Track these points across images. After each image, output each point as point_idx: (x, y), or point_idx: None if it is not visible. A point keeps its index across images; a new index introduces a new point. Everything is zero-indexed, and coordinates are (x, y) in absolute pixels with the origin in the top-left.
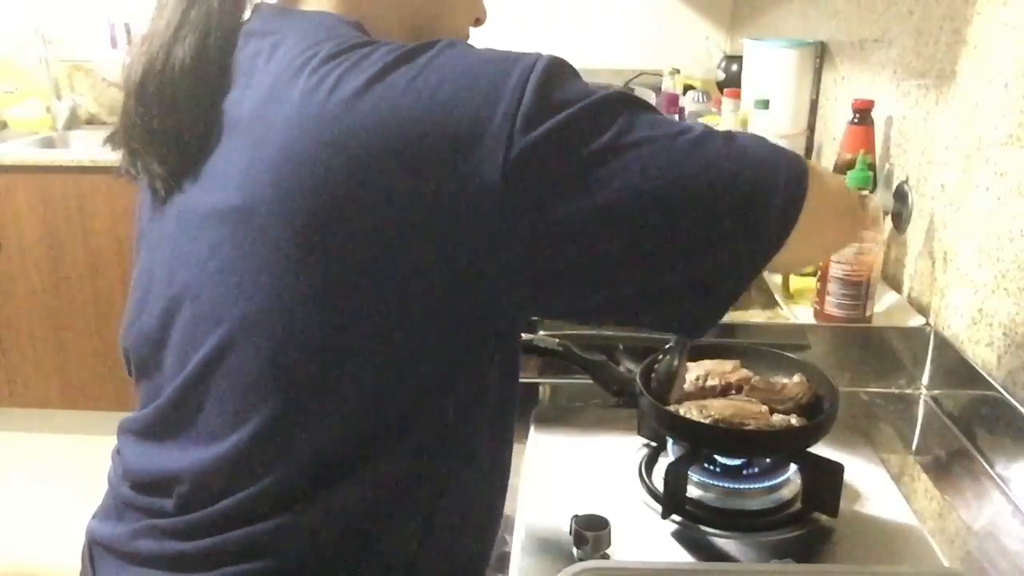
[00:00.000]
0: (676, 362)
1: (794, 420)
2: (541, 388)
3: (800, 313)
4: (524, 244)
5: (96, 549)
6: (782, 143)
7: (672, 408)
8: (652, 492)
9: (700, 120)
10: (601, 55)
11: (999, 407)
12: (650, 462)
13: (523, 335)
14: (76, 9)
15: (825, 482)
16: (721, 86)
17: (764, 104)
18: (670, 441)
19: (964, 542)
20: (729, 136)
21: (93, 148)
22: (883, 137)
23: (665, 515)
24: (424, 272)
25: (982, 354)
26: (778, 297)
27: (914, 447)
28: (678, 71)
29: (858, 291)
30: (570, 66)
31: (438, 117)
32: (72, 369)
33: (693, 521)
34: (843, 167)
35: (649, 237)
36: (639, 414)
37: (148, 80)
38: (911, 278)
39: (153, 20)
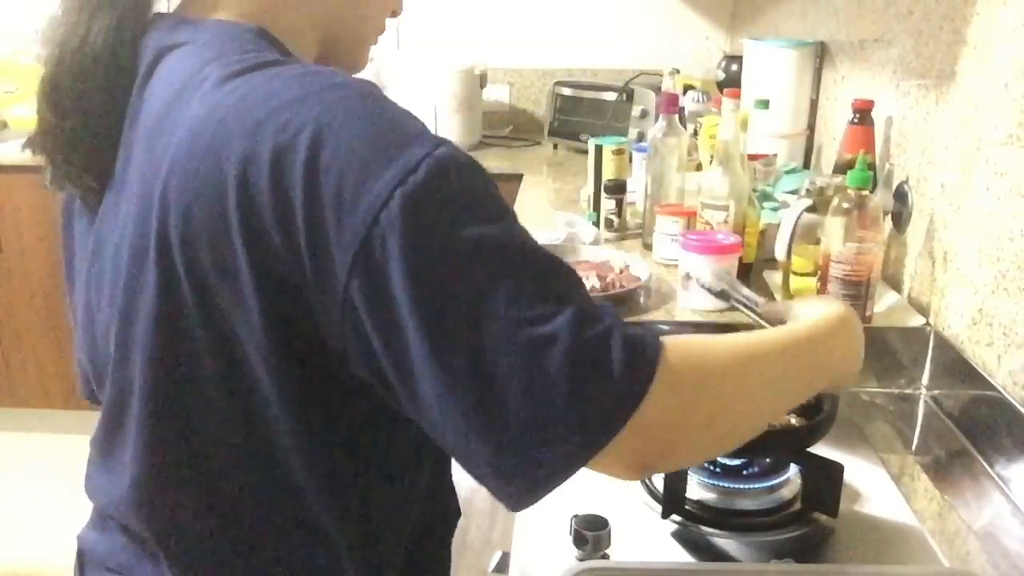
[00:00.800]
0: None
1: (794, 420)
2: None
3: None
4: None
5: (85, 559)
6: (782, 143)
7: None
8: (652, 492)
9: (700, 120)
10: (601, 55)
11: (999, 407)
12: None
13: None
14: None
15: (825, 482)
16: (721, 86)
17: (764, 104)
18: None
19: (964, 542)
20: (578, 361)
21: None
22: (883, 137)
23: (665, 515)
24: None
25: (982, 354)
26: (778, 297)
27: (914, 447)
28: (678, 71)
29: (858, 291)
30: (457, 178)
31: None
32: (72, 369)
33: (693, 521)
34: (843, 167)
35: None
36: None
37: (60, 73)
38: (911, 278)
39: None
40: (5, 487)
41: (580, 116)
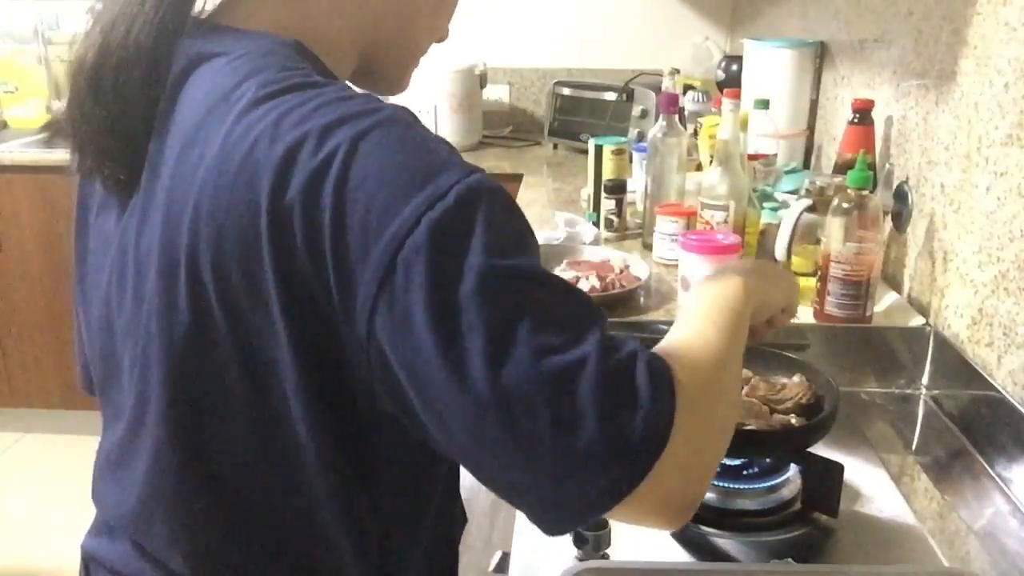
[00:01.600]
0: None
1: (794, 420)
2: None
3: (800, 313)
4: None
5: (92, 565)
6: (782, 143)
7: None
8: None
9: (700, 120)
10: (601, 55)
11: (999, 407)
12: None
13: None
14: (76, 9)
15: (825, 482)
16: (721, 86)
17: (764, 104)
18: None
19: (964, 542)
20: (606, 388)
21: None
22: (883, 137)
23: None
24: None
25: (982, 354)
26: None
27: (914, 447)
28: (678, 71)
29: (858, 291)
30: (486, 207)
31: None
32: (72, 369)
33: (693, 521)
34: (843, 167)
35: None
36: None
37: (103, 61)
38: (911, 278)
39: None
40: (5, 487)
41: (580, 116)
